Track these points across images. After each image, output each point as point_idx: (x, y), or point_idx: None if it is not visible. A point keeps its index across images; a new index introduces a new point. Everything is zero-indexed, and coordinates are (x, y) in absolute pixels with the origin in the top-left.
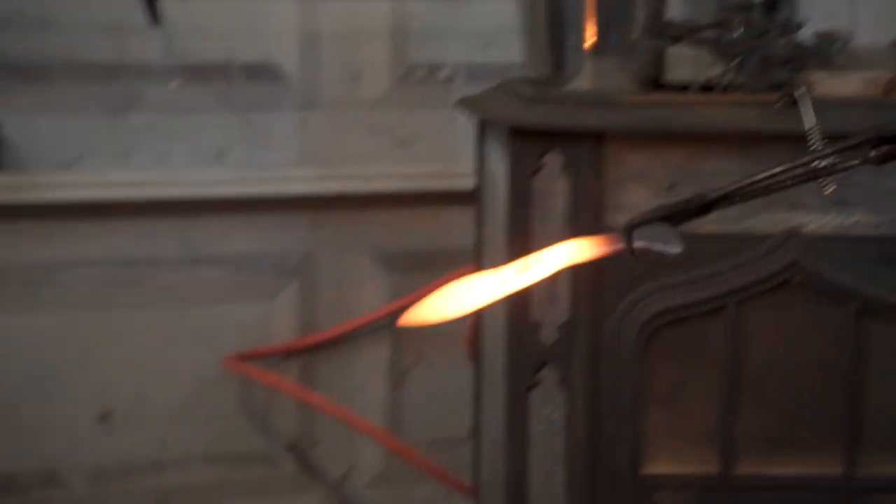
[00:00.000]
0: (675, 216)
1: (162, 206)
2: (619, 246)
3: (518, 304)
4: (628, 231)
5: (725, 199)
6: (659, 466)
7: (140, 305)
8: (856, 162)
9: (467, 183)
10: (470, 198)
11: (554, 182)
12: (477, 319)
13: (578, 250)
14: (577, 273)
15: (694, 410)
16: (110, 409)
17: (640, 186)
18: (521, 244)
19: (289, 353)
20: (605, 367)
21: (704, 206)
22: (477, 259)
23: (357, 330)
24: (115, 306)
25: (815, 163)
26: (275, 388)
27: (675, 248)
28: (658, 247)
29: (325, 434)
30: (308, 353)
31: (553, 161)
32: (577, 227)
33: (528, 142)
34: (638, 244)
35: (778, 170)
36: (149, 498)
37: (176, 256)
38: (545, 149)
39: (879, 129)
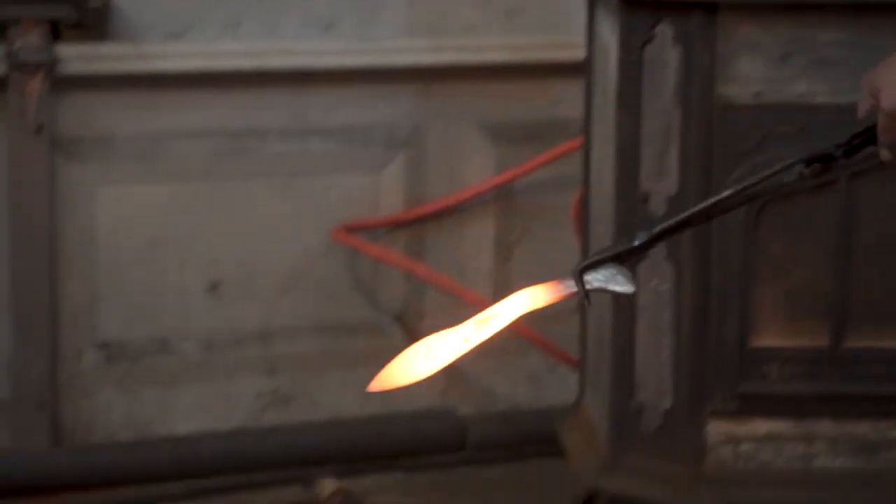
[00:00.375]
0: (624, 254)
1: (270, 77)
2: (573, 290)
3: (627, 175)
4: (580, 275)
5: (669, 234)
6: (767, 339)
7: (248, 176)
8: (792, 179)
9: (577, 54)
10: (579, 69)
11: (665, 53)
12: (584, 192)
13: (533, 298)
14: (687, 144)
15: (804, 284)
16: (219, 278)
17: (752, 58)
18: (631, 116)
19: (396, 225)
20: (714, 240)
21: (652, 241)
22: (586, 130)
23: (464, 202)
24: (224, 177)
25: (754, 186)
26: (382, 260)
27: (628, 288)
28: (611, 287)
29: (431, 306)
30: (415, 225)
31: (664, 32)
32: (687, 99)
33: (639, 12)
34: (591, 287)
35: (718, 198)
36: (257, 366)
37: (284, 127)
38: (656, 19)
39: (809, 151)
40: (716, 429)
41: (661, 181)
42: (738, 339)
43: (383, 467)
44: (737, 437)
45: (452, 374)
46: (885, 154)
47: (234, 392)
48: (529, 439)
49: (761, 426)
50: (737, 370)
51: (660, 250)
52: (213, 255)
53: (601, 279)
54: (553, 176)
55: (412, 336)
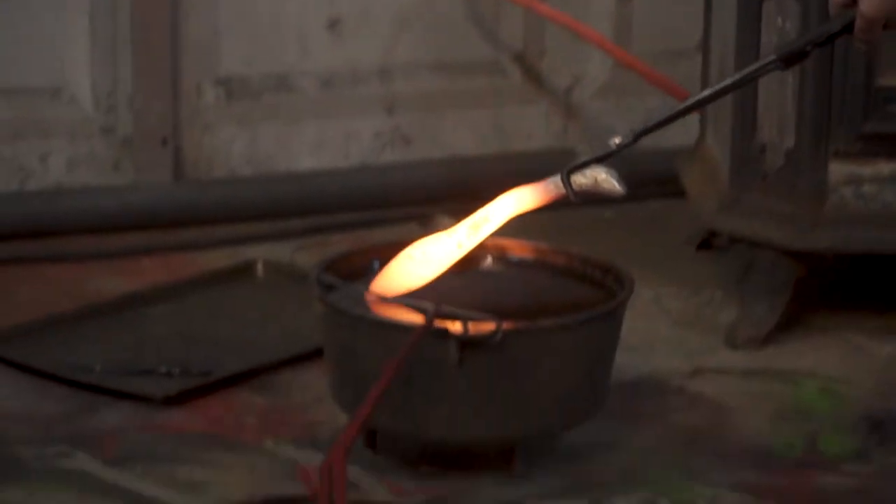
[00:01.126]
0: (608, 156)
1: None
2: (561, 191)
3: None
4: (567, 176)
5: (648, 132)
6: (894, 79)
7: None
8: (768, 70)
9: None
10: None
11: None
12: None
13: (522, 201)
14: None
15: None
16: (338, 15)
17: None
18: None
19: None
20: None
21: (633, 140)
22: None
23: None
24: None
25: (734, 84)
26: None
27: (616, 189)
28: (600, 188)
29: (552, 44)
30: None
31: None
32: None
33: None
34: (579, 188)
35: (698, 98)
36: (376, 104)
37: None
38: None
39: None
40: (838, 169)
41: None
42: (864, 77)
43: None
44: (859, 178)
45: (571, 113)
46: (860, 46)
47: (354, 130)
48: (647, 179)
49: (885, 167)
50: (861, 110)
51: None
52: None
53: (589, 181)
54: None
55: (531, 75)
